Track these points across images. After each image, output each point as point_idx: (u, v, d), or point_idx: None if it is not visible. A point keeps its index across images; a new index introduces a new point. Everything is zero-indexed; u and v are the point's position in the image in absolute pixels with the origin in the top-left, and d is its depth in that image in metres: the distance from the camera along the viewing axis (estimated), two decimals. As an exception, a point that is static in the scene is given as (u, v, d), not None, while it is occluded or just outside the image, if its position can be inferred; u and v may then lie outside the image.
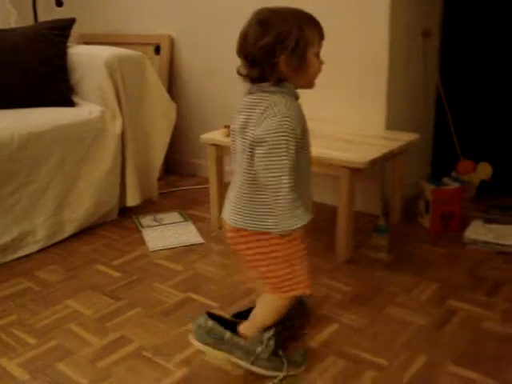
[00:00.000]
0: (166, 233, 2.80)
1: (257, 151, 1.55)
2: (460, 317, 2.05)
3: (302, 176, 1.63)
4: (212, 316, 1.80)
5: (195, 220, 2.95)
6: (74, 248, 2.69)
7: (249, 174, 1.60)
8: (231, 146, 1.74)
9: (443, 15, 3.14)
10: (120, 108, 2.87)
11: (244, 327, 1.79)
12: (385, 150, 2.41)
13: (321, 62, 1.64)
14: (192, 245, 2.68)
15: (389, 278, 2.33)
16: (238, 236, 1.68)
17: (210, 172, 2.76)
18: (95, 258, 2.58)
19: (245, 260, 1.74)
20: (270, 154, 1.52)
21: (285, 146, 1.51)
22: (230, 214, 1.68)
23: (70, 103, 2.93)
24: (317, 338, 1.94)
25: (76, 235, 2.80)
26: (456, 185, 2.72)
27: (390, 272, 2.38)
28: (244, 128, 1.61)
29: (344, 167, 2.29)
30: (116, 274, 2.43)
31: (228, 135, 2.64)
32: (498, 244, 2.51)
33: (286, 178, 1.52)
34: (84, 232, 2.83)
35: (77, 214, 2.78)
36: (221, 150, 2.70)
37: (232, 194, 1.70)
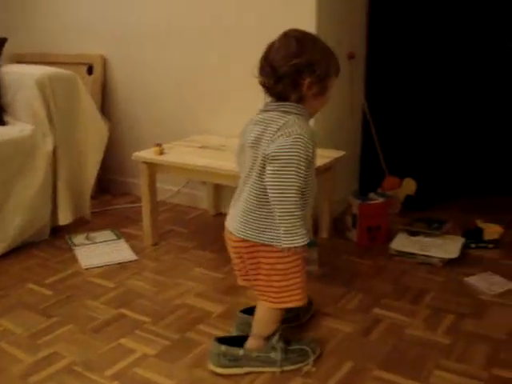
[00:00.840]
0: (99, 251, 2.80)
1: (268, 168, 1.62)
2: (385, 324, 2.14)
3: (307, 198, 1.72)
4: (221, 340, 1.87)
5: (128, 238, 2.96)
6: (4, 268, 2.66)
7: (258, 187, 1.68)
8: (237, 159, 1.83)
9: (368, 37, 3.28)
10: (51, 126, 2.87)
11: (250, 343, 1.88)
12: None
13: (329, 98, 1.76)
14: (125, 262, 2.69)
15: (320, 290, 2.40)
16: (242, 246, 1.77)
17: (143, 190, 2.79)
18: (27, 277, 2.56)
19: (246, 270, 1.82)
20: (281, 172, 1.60)
21: (296, 165, 1.59)
22: (236, 225, 1.76)
23: (1, 122, 2.91)
24: (247, 349, 1.99)
25: (7, 255, 2.76)
26: (381, 199, 2.83)
27: (321, 284, 2.45)
28: (256, 143, 1.68)
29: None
30: (48, 292, 2.42)
31: (160, 153, 2.68)
32: (422, 255, 2.62)
33: (294, 196, 1.61)
34: (15, 251, 2.80)
35: (6, 234, 2.75)
36: (153, 168, 2.73)
37: (239, 205, 1.77)
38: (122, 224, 3.16)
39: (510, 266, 2.61)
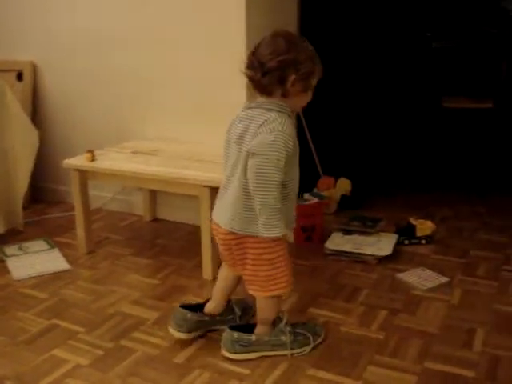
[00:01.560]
0: (32, 261, 2.73)
1: (249, 162, 1.72)
2: (320, 323, 2.15)
3: (288, 191, 1.82)
4: (233, 327, 1.96)
5: (62, 247, 2.90)
6: None
7: (243, 182, 1.76)
8: (224, 154, 1.89)
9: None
10: (-22, 135, 2.79)
11: (259, 329, 1.98)
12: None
13: (310, 96, 1.84)
14: (58, 272, 2.64)
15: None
16: (230, 238, 1.85)
17: (75, 198, 2.74)
18: (-45, 291, 2.48)
19: (234, 261, 1.92)
20: (261, 166, 1.70)
21: (276, 160, 1.69)
22: (224, 217, 1.85)
23: None
24: (183, 354, 1.98)
25: None
26: (315, 200, 2.86)
27: (255, 286, 2.46)
28: (240, 138, 1.77)
29: (204, 186, 2.36)
30: (-23, 306, 2.35)
31: (92, 160, 2.64)
32: (356, 253, 2.66)
33: (274, 189, 1.71)
34: None
35: None
36: (84, 175, 2.68)
37: (226, 198, 1.85)
38: (55, 233, 3.09)
39: (442, 261, 2.67)
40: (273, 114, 1.72)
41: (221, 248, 1.95)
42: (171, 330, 2.03)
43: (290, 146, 1.71)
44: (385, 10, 3.37)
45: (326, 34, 3.24)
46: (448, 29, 4.53)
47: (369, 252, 2.65)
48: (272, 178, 1.70)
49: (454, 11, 5.44)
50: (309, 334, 1.99)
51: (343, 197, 3.28)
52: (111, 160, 2.68)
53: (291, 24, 3.21)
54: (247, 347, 1.93)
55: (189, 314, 2.02)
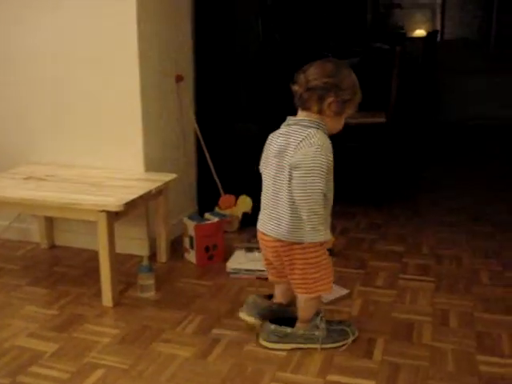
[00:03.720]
0: None
1: (294, 174, 1.89)
2: (224, 343, 2.15)
3: (328, 199, 1.99)
4: (271, 321, 2.12)
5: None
6: None
7: (288, 193, 1.93)
8: (262, 167, 2.10)
9: (195, 61, 3.32)
10: None
11: (299, 326, 2.12)
12: (141, 192, 2.47)
13: (343, 123, 2.01)
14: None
15: (157, 316, 2.36)
16: (278, 245, 2.01)
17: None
18: None
19: (283, 266, 2.07)
20: (306, 177, 1.88)
21: (318, 171, 1.87)
22: (272, 227, 2.01)
23: None
24: (82, 386, 1.92)
25: None
26: (216, 219, 2.86)
27: (157, 310, 2.42)
28: (280, 153, 1.96)
29: (101, 211, 2.30)
30: None
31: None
32: (258, 270, 2.67)
33: (319, 198, 1.89)
34: None
35: None
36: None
37: (272, 209, 2.01)
38: None
39: (343, 273, 2.72)
40: (312, 131, 1.91)
41: (267, 256, 2.12)
42: (242, 315, 2.21)
43: (330, 159, 1.92)
44: (281, 27, 3.44)
45: (223, 54, 3.27)
46: (342, 46, 4.68)
47: (270, 268, 2.67)
48: (317, 188, 1.88)
49: (346, 30, 5.64)
50: (348, 329, 2.12)
51: (245, 214, 3.29)
52: (1, 187, 2.57)
53: (185, 34, 3.23)
54: (282, 338, 2.09)
55: (259, 301, 2.22)
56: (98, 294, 2.49)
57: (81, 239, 3.05)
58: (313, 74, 1.91)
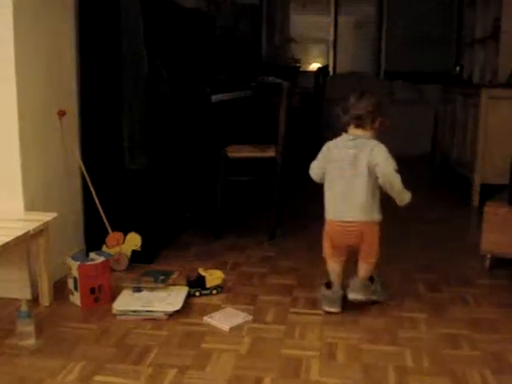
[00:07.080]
0: None
1: (380, 167, 2.56)
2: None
3: None
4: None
5: None
6: None
7: (367, 185, 2.59)
8: (320, 170, 2.74)
9: (80, 96, 3.24)
10: None
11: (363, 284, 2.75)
12: (19, 233, 2.35)
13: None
14: None
15: (36, 365, 2.22)
16: (356, 226, 2.63)
17: None
18: None
19: (352, 243, 2.68)
20: (389, 167, 2.57)
21: (393, 163, 2.59)
22: (355, 214, 2.62)
23: None
24: None
25: None
26: (102, 258, 2.76)
27: (37, 358, 2.28)
28: (355, 158, 2.59)
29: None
30: None
31: None
32: (145, 311, 2.59)
33: (399, 178, 2.59)
34: None
35: None
36: None
37: (353, 200, 2.61)
38: None
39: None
40: (374, 142, 2.62)
41: (349, 241, 2.67)
42: (327, 309, 2.67)
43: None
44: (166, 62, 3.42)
45: (110, 88, 3.21)
46: (234, 80, 4.71)
47: (158, 308, 2.60)
48: (396, 173, 2.58)
49: (240, 64, 5.69)
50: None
51: (134, 252, 3.21)
52: None
53: (69, 68, 3.17)
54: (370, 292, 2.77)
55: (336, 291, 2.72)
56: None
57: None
58: (363, 106, 2.61)
